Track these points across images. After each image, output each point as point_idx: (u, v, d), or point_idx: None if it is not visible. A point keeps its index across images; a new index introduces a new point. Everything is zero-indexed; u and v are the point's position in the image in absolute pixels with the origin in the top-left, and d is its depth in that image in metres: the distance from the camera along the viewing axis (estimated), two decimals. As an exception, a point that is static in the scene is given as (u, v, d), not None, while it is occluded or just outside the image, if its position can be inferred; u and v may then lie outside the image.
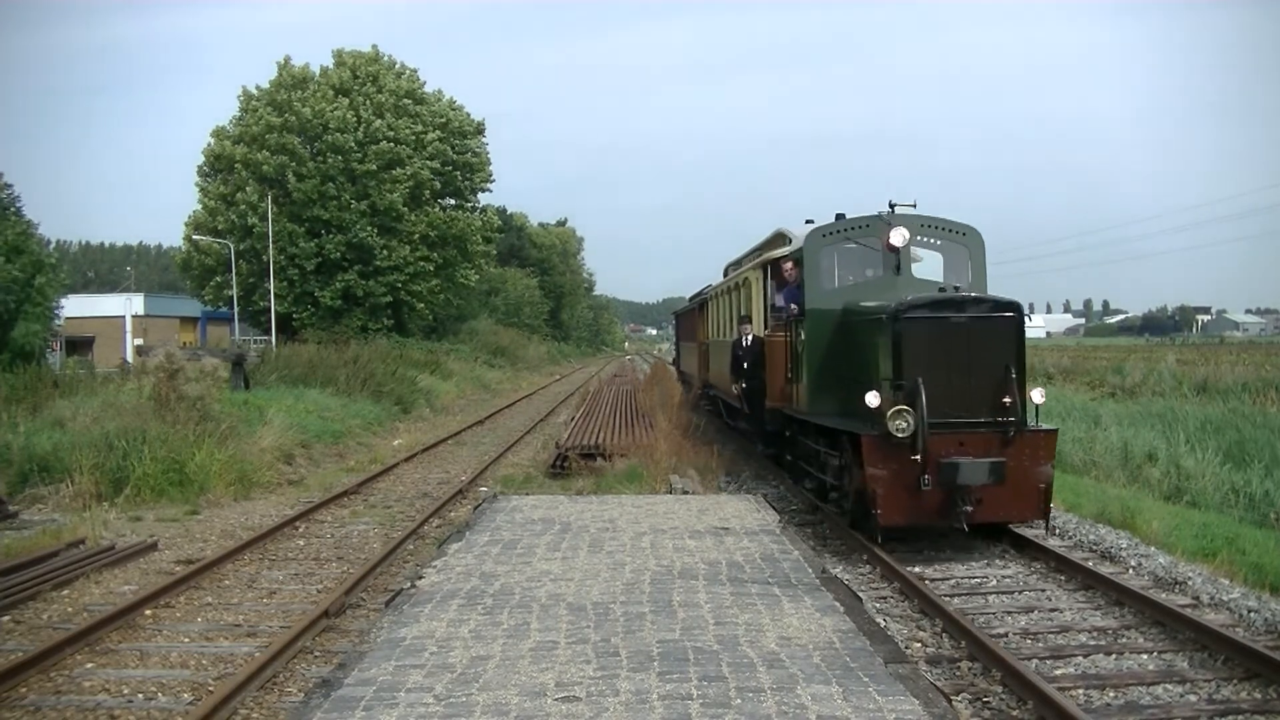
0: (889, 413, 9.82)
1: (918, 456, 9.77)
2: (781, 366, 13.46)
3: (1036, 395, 10.53)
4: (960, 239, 12.61)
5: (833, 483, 11.73)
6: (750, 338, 15.35)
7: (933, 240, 12.63)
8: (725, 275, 21.90)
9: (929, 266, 12.64)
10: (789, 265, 13.30)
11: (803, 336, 12.42)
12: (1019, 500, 10.10)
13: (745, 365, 15.31)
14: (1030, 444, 10.10)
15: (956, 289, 10.97)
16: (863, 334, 11.15)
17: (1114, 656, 7.31)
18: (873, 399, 10.15)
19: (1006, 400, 9.99)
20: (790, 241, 14.20)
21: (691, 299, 30.46)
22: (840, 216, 12.58)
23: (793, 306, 12.83)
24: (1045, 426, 10.60)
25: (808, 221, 13.66)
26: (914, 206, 12.35)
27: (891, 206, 12.27)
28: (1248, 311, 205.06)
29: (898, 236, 11.81)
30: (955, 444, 9.92)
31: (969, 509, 9.87)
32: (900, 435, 9.76)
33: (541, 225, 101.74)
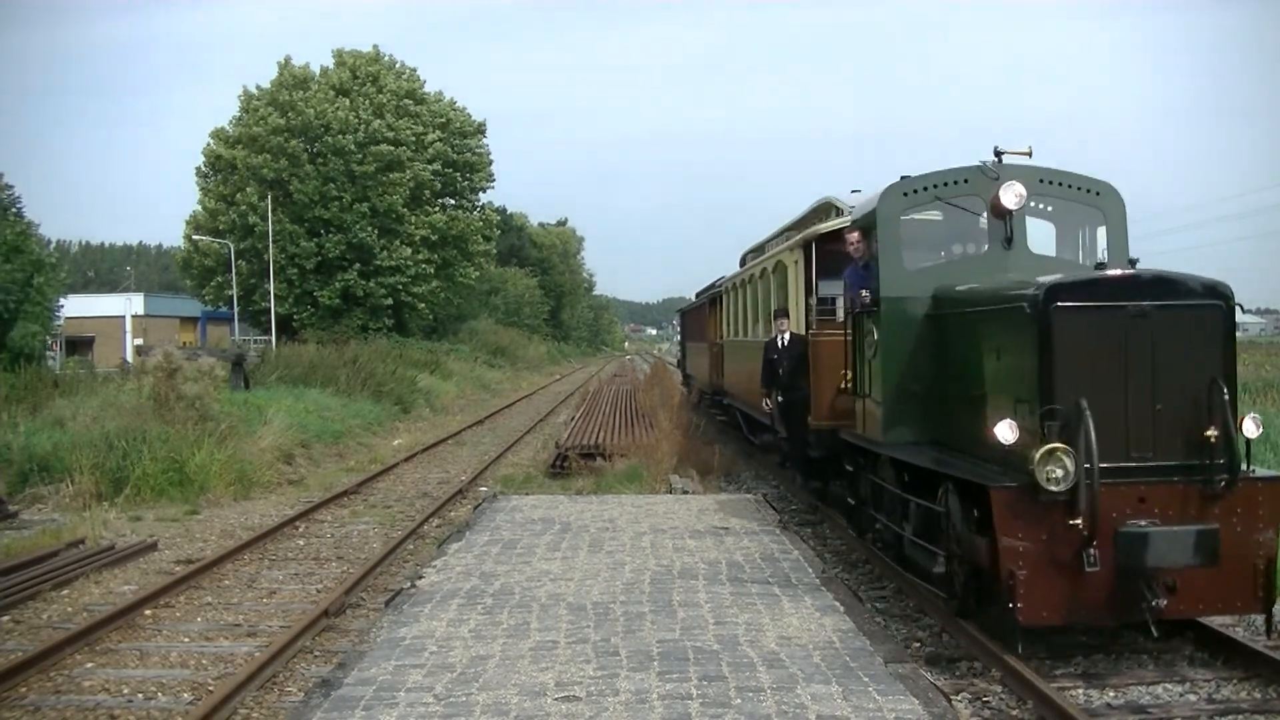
0: (1037, 454, 6.49)
1: (1080, 521, 6.54)
2: (835, 374, 10.60)
3: (1250, 426, 6.91)
4: (1091, 201, 9.21)
5: (931, 549, 7.88)
6: (788, 336, 12.65)
7: (1043, 205, 9.38)
8: (743, 264, 19.23)
9: (1036, 240, 9.31)
10: (854, 237, 9.93)
11: (875, 335, 9.09)
12: (1231, 584, 6.80)
13: (781, 371, 12.55)
14: (1248, 500, 6.84)
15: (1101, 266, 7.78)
16: (977, 332, 7.91)
17: None
18: (1007, 431, 6.82)
19: (1211, 434, 6.72)
20: (839, 214, 12.06)
21: (700, 294, 28.13)
22: (905, 179, 9.33)
23: (864, 294, 9.40)
24: (1267, 473, 7.21)
25: (854, 191, 11.83)
26: (1029, 155, 9.09)
27: (998, 155, 8.98)
28: (1247, 311, 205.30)
29: (1011, 195, 8.64)
30: (1135, 501, 6.73)
31: (1160, 602, 6.57)
32: (1054, 489, 6.53)
33: (541, 225, 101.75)
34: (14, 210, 38.09)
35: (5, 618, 8.41)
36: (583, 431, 19.44)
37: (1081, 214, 9.34)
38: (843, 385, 10.43)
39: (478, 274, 56.14)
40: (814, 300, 12.23)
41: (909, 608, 8.61)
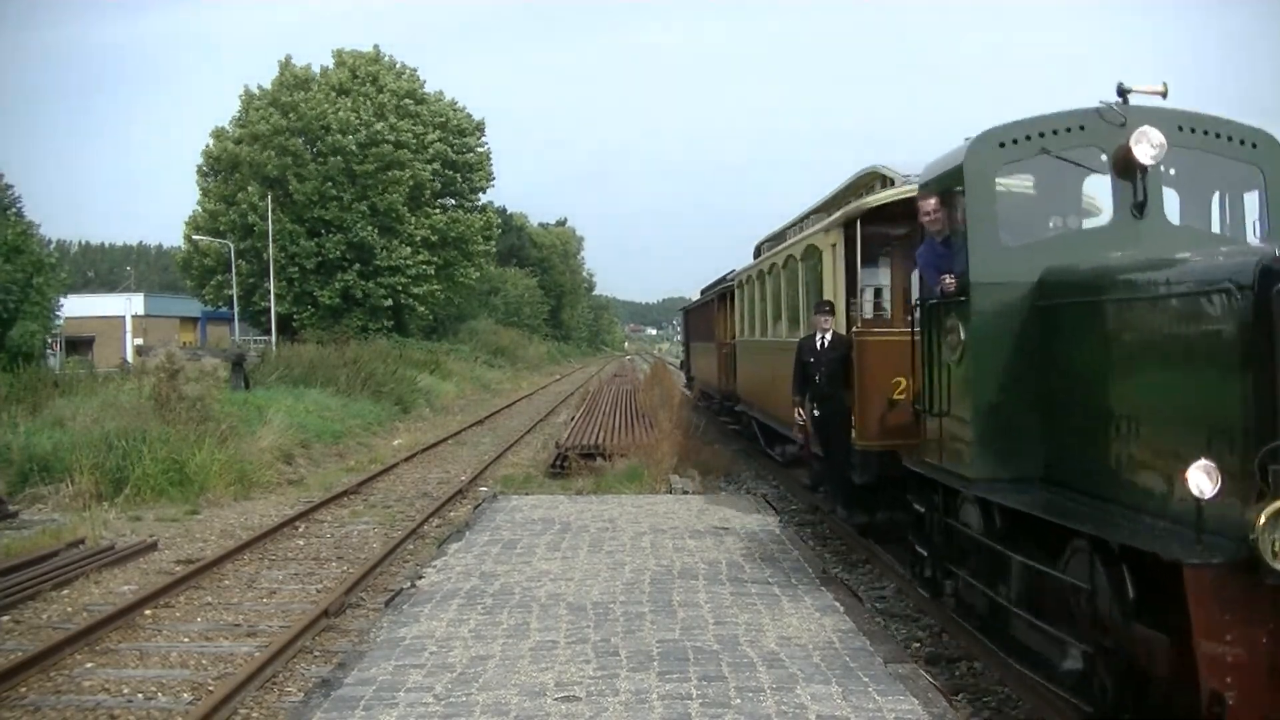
0: (1260, 516, 4.32)
1: None
2: (886, 383, 9.08)
3: None
4: (1245, 155, 6.89)
5: (1058, 635, 5.76)
6: (828, 336, 10.59)
7: (1178, 162, 6.87)
8: (758, 255, 17.50)
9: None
10: (929, 205, 7.55)
11: (961, 333, 6.92)
12: None
13: (818, 378, 10.60)
14: None
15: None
16: (1127, 330, 5.75)
17: None
18: (1203, 480, 4.48)
19: None
20: (888, 185, 10.37)
21: (706, 291, 26.61)
22: (1000, 127, 7.07)
23: (947, 280, 7.11)
24: None
25: (904, 178, 9.94)
26: (1164, 95, 6.86)
27: (1123, 94, 6.75)
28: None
29: (1147, 147, 6.40)
30: None
31: None
32: None
33: (541, 225, 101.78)
34: (14, 210, 38.10)
35: (5, 618, 8.41)
36: (583, 431, 19.43)
37: (1225, 173, 7.00)
38: (896, 396, 8.87)
39: (478, 274, 56.18)
40: (860, 292, 10.69)
41: (909, 608, 8.61)
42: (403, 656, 6.45)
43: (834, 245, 11.16)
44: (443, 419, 28.87)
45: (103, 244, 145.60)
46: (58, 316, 39.43)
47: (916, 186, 8.20)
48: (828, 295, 11.23)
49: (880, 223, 10.26)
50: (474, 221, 53.17)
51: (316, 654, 7.49)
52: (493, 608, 7.59)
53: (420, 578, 8.62)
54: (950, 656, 7.28)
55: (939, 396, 7.28)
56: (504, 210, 79.11)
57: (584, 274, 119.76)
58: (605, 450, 16.46)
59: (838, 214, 11.28)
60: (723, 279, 22.25)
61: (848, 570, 9.93)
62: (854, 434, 9.82)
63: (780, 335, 13.93)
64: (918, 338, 7.85)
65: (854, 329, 10.50)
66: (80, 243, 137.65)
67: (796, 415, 11.13)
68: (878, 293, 10.90)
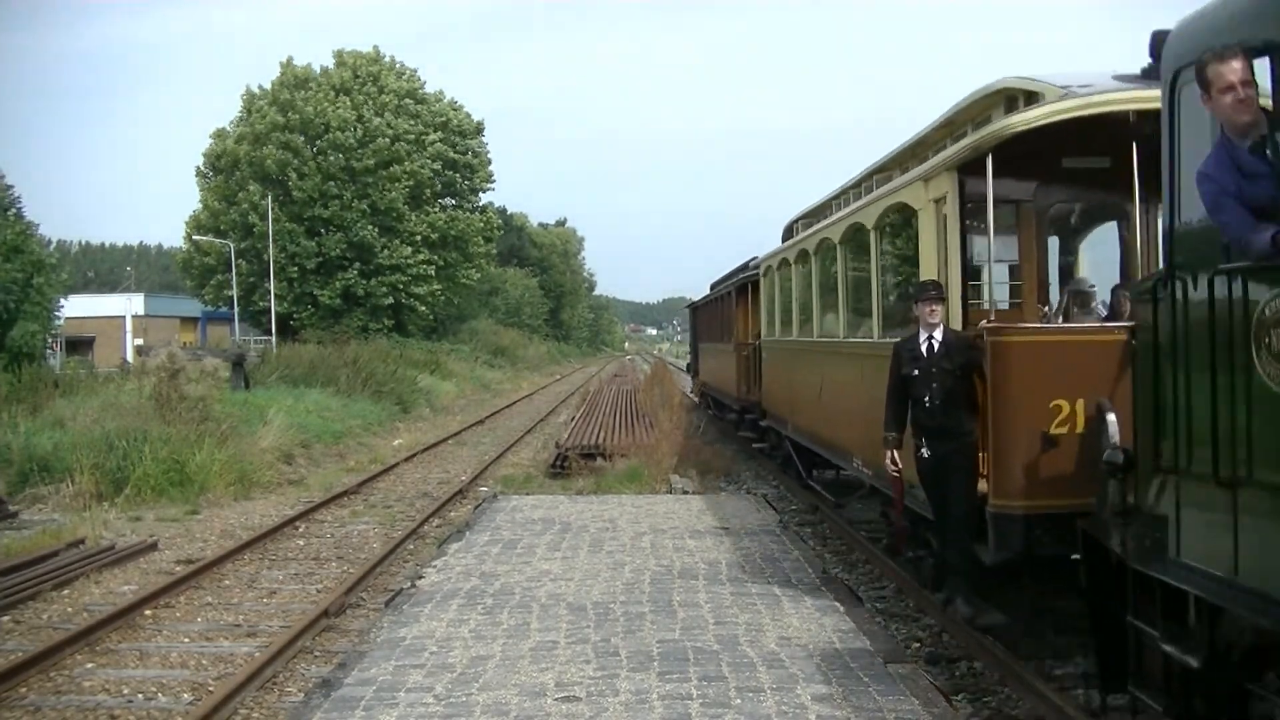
0: None
1: None
2: (1041, 408, 6.38)
3: None
4: None
5: None
6: (938, 336, 7.16)
7: None
8: (788, 237, 14.24)
9: None
10: (1235, 71, 3.70)
11: None
12: None
13: (927, 400, 7.17)
14: None
15: None
16: None
17: None
18: None
19: None
20: (1032, 100, 7.04)
21: (717, 285, 23.91)
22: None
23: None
24: None
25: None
26: None
27: None
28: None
29: None
30: None
31: None
32: None
33: (541, 225, 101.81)
34: (14, 210, 38.08)
35: (5, 618, 8.41)
36: (583, 431, 19.43)
37: None
38: (1055, 429, 6.30)
39: (479, 275, 56.21)
40: (981, 272, 7.84)
41: (909, 608, 8.61)
42: (403, 657, 6.45)
43: (938, 201, 7.56)
44: (443, 419, 28.87)
45: (103, 244, 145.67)
46: (58, 317, 39.41)
47: (1115, 92, 5.70)
48: (929, 274, 7.65)
49: (1019, 162, 7.14)
50: (474, 221, 53.20)
51: (317, 654, 7.49)
52: (493, 608, 7.59)
53: (420, 578, 8.63)
54: (950, 656, 7.27)
55: (1202, 444, 3.98)
56: (504, 210, 79.16)
57: (584, 274, 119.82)
58: (605, 450, 16.46)
59: (947, 152, 7.58)
60: (742, 268, 19.15)
61: (848, 570, 9.92)
62: (984, 486, 6.79)
63: (836, 334, 10.75)
64: (1151, 336, 4.51)
65: (984, 324, 7.08)
66: (80, 243, 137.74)
67: (889, 460, 7.42)
68: (1010, 272, 7.94)
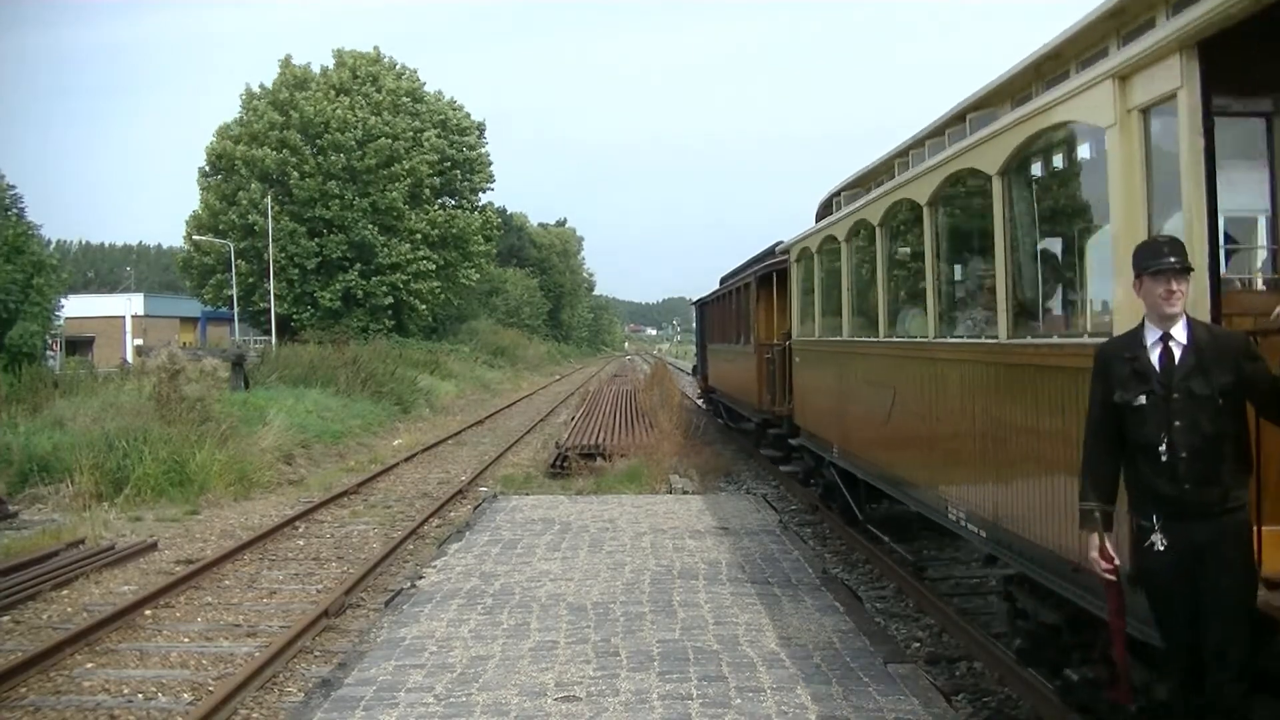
0: None
1: None
2: None
3: None
4: None
5: None
6: (1181, 335, 4.00)
7: None
8: (823, 216, 11.69)
9: None
10: None
11: None
12: None
13: (1167, 454, 3.94)
14: None
15: None
16: None
17: None
18: None
19: None
20: None
21: (728, 279, 21.24)
22: None
23: None
24: None
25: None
26: None
27: None
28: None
29: None
30: None
31: None
32: None
33: (541, 225, 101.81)
34: (15, 211, 38.08)
35: (5, 618, 8.41)
36: (583, 431, 19.43)
37: None
38: None
39: (478, 275, 56.22)
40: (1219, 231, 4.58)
41: (909, 607, 8.61)
42: (403, 657, 6.45)
43: (1154, 107, 4.55)
44: (443, 419, 28.87)
45: (103, 244, 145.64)
46: (58, 317, 39.41)
47: None
48: (1127, 230, 4.68)
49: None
50: (474, 221, 53.21)
51: (317, 654, 7.49)
52: (493, 608, 7.59)
53: (420, 578, 8.62)
54: (950, 656, 7.28)
55: None
56: (504, 210, 79.15)
57: (584, 274, 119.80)
58: (605, 450, 16.46)
59: (1176, 20, 4.27)
60: (766, 253, 16.43)
61: (848, 570, 9.93)
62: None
63: (920, 333, 7.97)
64: None
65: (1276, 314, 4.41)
66: (80, 243, 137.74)
67: (1093, 551, 4.16)
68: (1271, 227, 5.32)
